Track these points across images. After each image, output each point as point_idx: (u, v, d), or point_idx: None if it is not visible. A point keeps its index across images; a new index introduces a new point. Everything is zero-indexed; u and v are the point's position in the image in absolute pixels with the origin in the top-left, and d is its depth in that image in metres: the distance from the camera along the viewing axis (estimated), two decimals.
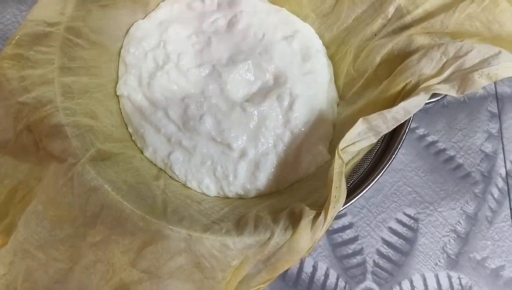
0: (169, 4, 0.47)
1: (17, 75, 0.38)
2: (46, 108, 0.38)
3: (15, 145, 0.39)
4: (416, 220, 0.53)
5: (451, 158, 0.55)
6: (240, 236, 0.35)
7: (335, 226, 0.52)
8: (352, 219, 0.52)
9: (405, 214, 0.53)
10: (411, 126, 0.57)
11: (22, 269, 0.39)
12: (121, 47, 0.45)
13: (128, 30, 0.46)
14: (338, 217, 0.52)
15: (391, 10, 0.42)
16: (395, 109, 0.37)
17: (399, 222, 0.53)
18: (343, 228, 0.52)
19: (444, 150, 0.56)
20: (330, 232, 0.52)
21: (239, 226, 0.36)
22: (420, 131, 0.56)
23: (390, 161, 0.39)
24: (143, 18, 0.47)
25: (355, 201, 0.38)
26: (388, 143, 0.41)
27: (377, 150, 0.41)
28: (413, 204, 0.53)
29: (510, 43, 0.38)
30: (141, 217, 0.35)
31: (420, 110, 0.57)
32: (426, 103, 0.38)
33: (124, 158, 0.40)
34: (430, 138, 0.56)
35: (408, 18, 0.41)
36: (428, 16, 0.40)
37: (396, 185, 0.54)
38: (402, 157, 0.55)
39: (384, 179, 0.54)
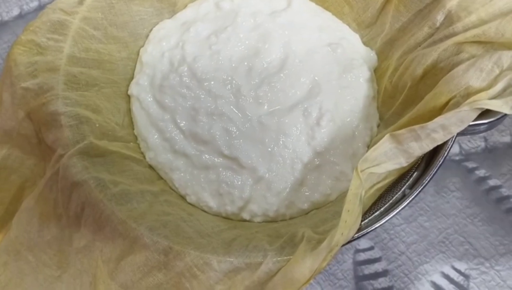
0: (197, 4, 0.44)
1: (26, 61, 0.37)
2: (46, 95, 0.36)
3: (18, 135, 0.38)
4: (467, 277, 0.44)
5: None
6: (227, 255, 0.30)
7: (366, 272, 0.44)
8: (387, 265, 0.45)
9: (453, 268, 0.44)
10: (470, 167, 0.50)
11: (15, 272, 0.37)
12: (142, 46, 0.43)
13: (151, 29, 0.44)
14: (370, 261, 0.45)
15: (440, 17, 0.36)
16: (431, 125, 0.31)
17: (445, 277, 0.44)
18: (376, 275, 0.44)
19: (508, 197, 0.47)
20: (359, 278, 0.44)
21: (229, 244, 0.31)
22: (481, 173, 0.48)
23: (421, 188, 0.32)
24: (169, 18, 0.44)
25: (372, 230, 0.31)
26: (425, 169, 0.34)
27: (411, 173, 0.34)
28: (464, 258, 0.44)
29: None
30: (121, 221, 0.32)
31: (482, 148, 0.51)
32: (474, 125, 0.32)
33: (121, 158, 0.37)
34: (492, 182, 0.47)
35: (458, 26, 0.35)
36: (481, 24, 0.34)
37: (446, 233, 0.46)
38: (456, 201, 0.47)
39: (431, 223, 0.46)
